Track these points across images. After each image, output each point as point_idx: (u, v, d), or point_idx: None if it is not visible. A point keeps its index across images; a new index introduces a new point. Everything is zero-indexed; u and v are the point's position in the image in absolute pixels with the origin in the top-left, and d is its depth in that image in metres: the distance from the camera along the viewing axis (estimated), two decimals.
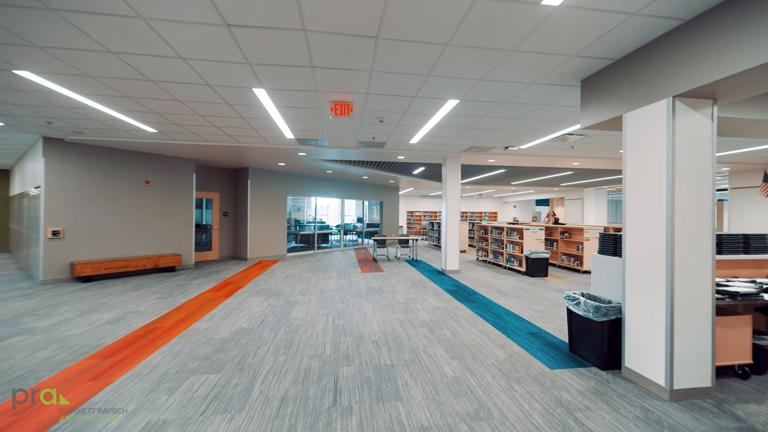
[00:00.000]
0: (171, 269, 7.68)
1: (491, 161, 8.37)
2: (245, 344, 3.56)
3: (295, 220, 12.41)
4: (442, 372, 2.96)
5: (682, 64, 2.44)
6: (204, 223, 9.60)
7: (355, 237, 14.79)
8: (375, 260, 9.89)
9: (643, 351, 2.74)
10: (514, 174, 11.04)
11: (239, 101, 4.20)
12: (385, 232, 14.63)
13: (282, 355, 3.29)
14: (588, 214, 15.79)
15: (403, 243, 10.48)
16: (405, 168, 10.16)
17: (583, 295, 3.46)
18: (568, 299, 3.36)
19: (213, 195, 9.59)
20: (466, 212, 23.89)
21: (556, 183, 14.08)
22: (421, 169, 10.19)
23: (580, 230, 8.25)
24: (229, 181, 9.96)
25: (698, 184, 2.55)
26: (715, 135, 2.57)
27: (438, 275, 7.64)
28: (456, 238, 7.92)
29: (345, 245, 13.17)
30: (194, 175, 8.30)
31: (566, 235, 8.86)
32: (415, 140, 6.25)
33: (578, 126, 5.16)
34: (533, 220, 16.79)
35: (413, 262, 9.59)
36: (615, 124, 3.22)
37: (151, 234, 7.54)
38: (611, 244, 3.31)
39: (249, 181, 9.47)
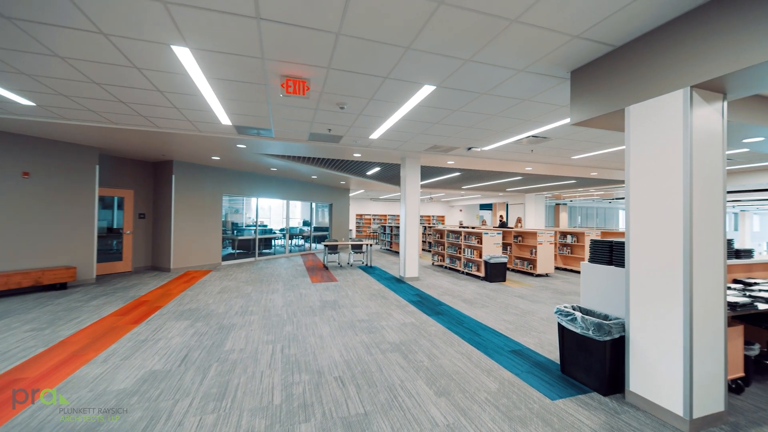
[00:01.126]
0: (61, 287, 5.96)
1: (450, 163, 8.09)
2: (156, 399, 2.54)
3: (233, 224, 10.95)
4: (431, 419, 2.33)
5: (706, 48, 2.15)
6: (115, 227, 7.84)
7: (301, 242, 13.66)
8: (326, 268, 9.01)
9: (653, 374, 2.41)
10: (467, 178, 11.01)
11: (153, 65, 3.14)
12: (334, 236, 13.75)
13: (211, 413, 2.37)
14: (528, 218, 16.69)
15: (357, 248, 9.76)
16: (359, 168, 9.47)
17: (575, 308, 3.11)
18: (561, 315, 2.98)
19: (125, 193, 7.87)
20: None
21: (503, 188, 14.58)
22: (377, 169, 9.59)
23: (534, 234, 8.36)
24: (146, 176, 8.28)
25: (711, 186, 2.30)
26: (726, 132, 2.35)
27: (397, 283, 7.07)
28: (415, 244, 7.45)
29: (291, 251, 12.01)
30: (97, 167, 6.63)
31: (519, 238, 8.96)
32: (375, 135, 5.61)
33: (544, 128, 4.99)
34: (483, 224, 17.27)
35: (368, 269, 8.92)
36: (610, 120, 2.93)
37: (32, 241, 5.77)
38: (605, 252, 3.01)
39: (173, 177, 7.95)
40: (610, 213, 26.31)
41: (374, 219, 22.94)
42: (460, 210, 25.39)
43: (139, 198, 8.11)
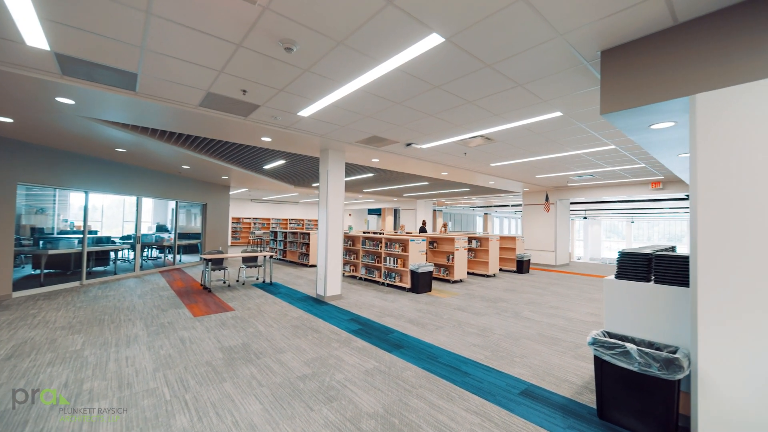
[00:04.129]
0: None
1: (375, 161, 7.13)
2: None
3: (36, 230, 7.04)
4: None
5: None
6: None
7: (156, 253, 10.17)
8: (208, 290, 6.62)
9: (737, 418, 2.00)
10: (378, 180, 10.30)
11: None
12: (210, 244, 10.83)
13: None
14: (419, 223, 17.42)
15: (250, 261, 7.65)
16: (256, 159, 7.46)
17: (605, 335, 2.59)
18: (604, 348, 2.38)
19: None
20: (302, 219, 22.03)
21: (400, 193, 14.62)
22: (280, 162, 7.78)
23: (450, 240, 8.24)
24: None
25: None
26: None
27: (317, 305, 5.60)
28: (339, 255, 6.14)
29: (143, 267, 8.67)
30: None
31: (434, 244, 8.74)
32: (308, 112, 4.14)
33: (501, 128, 4.62)
34: (402, 229, 17.00)
35: (268, 288, 7.01)
36: (650, 113, 2.54)
37: None
38: (642, 266, 2.57)
39: None
40: (472, 219, 30.80)
41: (255, 223, 19.90)
42: (350, 214, 24.86)
43: None
